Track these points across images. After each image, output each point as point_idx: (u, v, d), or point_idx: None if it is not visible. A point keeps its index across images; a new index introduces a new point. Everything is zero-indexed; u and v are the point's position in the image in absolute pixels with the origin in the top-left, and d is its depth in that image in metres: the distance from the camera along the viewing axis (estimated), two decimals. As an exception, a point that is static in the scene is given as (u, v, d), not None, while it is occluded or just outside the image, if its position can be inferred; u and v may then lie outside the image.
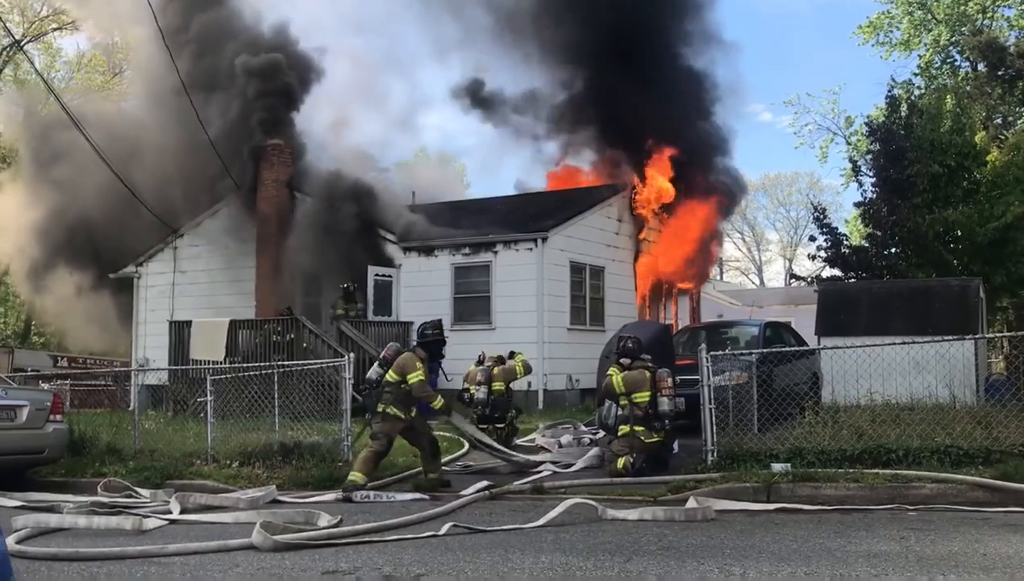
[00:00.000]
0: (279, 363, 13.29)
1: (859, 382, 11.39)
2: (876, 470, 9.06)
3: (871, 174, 24.24)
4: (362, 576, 6.15)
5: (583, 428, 13.82)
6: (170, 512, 8.76)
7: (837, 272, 23.96)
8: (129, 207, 21.66)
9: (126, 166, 20.69)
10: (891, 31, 37.50)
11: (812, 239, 25.30)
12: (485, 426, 13.08)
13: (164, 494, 9.78)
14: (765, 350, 13.05)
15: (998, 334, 21.16)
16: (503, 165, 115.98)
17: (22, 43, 36.88)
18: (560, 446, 12.46)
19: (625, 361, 10.56)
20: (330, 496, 9.65)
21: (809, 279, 26.15)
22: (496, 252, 20.05)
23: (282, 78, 21.07)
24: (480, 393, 13.24)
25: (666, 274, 23.28)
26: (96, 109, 27.73)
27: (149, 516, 8.49)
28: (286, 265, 20.89)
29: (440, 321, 11.30)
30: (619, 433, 10.35)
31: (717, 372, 10.52)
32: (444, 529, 7.44)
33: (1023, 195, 21.77)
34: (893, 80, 30.27)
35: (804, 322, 20.01)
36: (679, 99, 23.34)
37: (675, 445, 11.16)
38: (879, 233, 23.11)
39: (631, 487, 9.49)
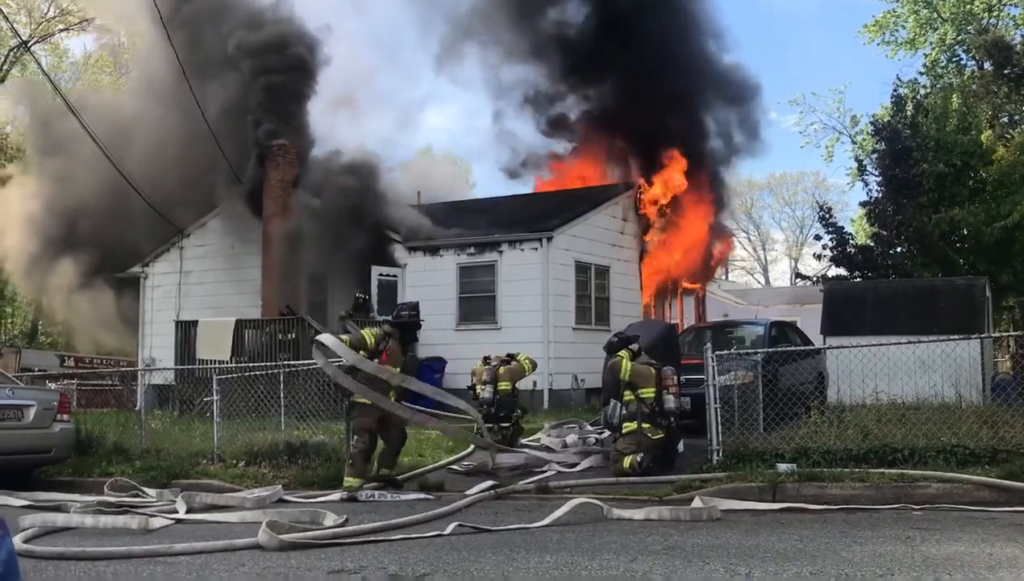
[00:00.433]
0: (285, 363, 13.33)
1: (865, 381, 11.39)
2: (882, 470, 9.05)
3: (877, 173, 24.20)
4: (368, 575, 6.16)
5: (588, 428, 13.80)
6: (176, 512, 8.78)
7: (843, 271, 23.92)
8: (135, 206, 21.71)
9: (130, 165, 20.72)
10: (897, 30, 37.45)
11: (818, 238, 25.27)
12: (491, 425, 13.10)
13: (170, 493, 9.82)
14: (771, 349, 13.03)
15: (1004, 334, 21.11)
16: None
17: (29, 44, 37.01)
18: (565, 446, 12.45)
19: (634, 347, 10.56)
20: (336, 496, 9.67)
21: (815, 278, 26.14)
22: (501, 252, 20.06)
23: (291, 52, 20.99)
24: (485, 392, 13.23)
25: (671, 273, 23.26)
26: (100, 102, 27.73)
27: (155, 515, 8.52)
28: (292, 265, 20.92)
29: (417, 303, 11.01)
30: (624, 430, 10.34)
31: (723, 372, 10.52)
32: (449, 529, 7.45)
33: (1030, 194, 21.71)
34: (899, 79, 30.20)
35: (810, 321, 19.96)
36: (685, 97, 23.36)
37: (680, 445, 11.15)
38: (885, 232, 23.08)
39: (636, 487, 9.49)
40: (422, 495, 9.60)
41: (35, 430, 11.22)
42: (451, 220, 21.48)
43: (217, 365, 16.49)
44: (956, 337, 11.44)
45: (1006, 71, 25.49)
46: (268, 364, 14.30)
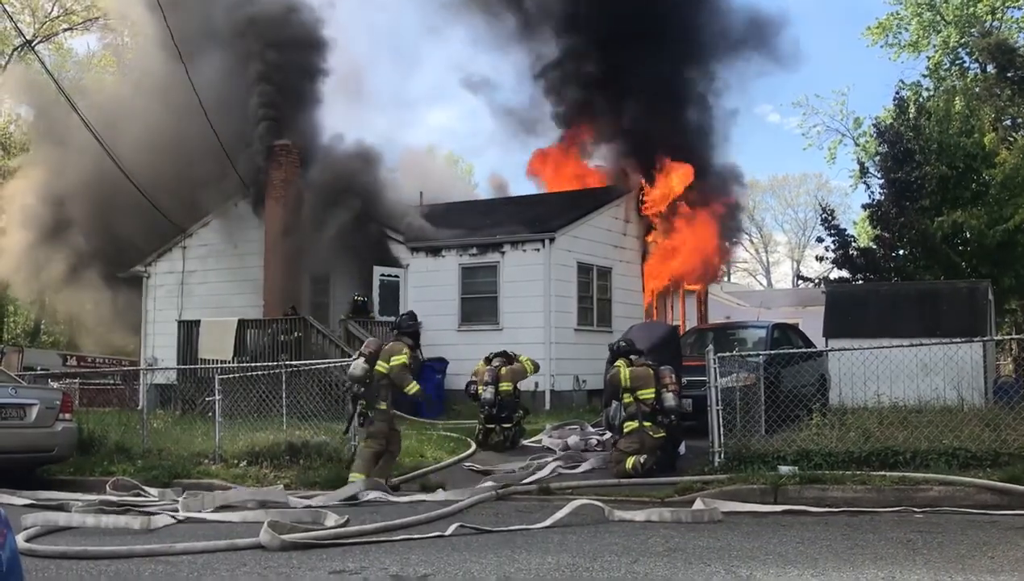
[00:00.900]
0: (287, 363, 13.34)
1: (867, 384, 11.38)
2: (883, 472, 9.05)
3: (879, 176, 24.18)
4: (369, 576, 6.16)
5: (590, 429, 13.82)
6: (178, 511, 8.79)
7: (845, 274, 23.89)
8: (138, 206, 21.70)
9: (129, 162, 20.70)
10: (900, 32, 37.44)
11: (820, 240, 25.23)
12: (492, 426, 13.11)
13: (172, 493, 9.83)
14: (772, 352, 13.03)
15: (1007, 337, 21.11)
16: (508, 164, 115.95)
17: (33, 43, 37.02)
18: (567, 447, 12.46)
19: (633, 357, 10.63)
20: (336, 496, 9.64)
21: (817, 281, 26.08)
22: (503, 252, 20.06)
23: (296, 42, 21.00)
24: (487, 393, 13.23)
25: (674, 275, 23.24)
26: (102, 100, 27.72)
27: (157, 515, 8.53)
28: (294, 265, 20.93)
29: (413, 312, 11.51)
30: (625, 430, 10.35)
31: (724, 373, 10.53)
32: (451, 529, 7.45)
33: (1032, 198, 21.68)
34: (902, 82, 30.18)
35: (812, 324, 19.94)
36: (688, 99, 23.36)
37: (682, 446, 11.17)
38: (887, 235, 23.05)
39: (638, 488, 9.49)
40: (423, 496, 9.60)
41: (37, 429, 11.23)
42: (453, 220, 21.48)
43: (219, 365, 16.52)
44: (958, 340, 11.43)
45: (1009, 74, 25.47)
46: (270, 364, 14.31)
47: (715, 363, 10.35)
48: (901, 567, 6.03)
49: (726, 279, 45.69)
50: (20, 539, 7.07)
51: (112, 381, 24.13)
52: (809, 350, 14.85)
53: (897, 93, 25.51)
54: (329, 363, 14.22)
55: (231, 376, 13.65)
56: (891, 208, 22.78)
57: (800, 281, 31.00)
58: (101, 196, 23.16)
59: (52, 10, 40.03)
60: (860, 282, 22.83)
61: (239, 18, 21.20)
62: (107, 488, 10.31)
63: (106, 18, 38.08)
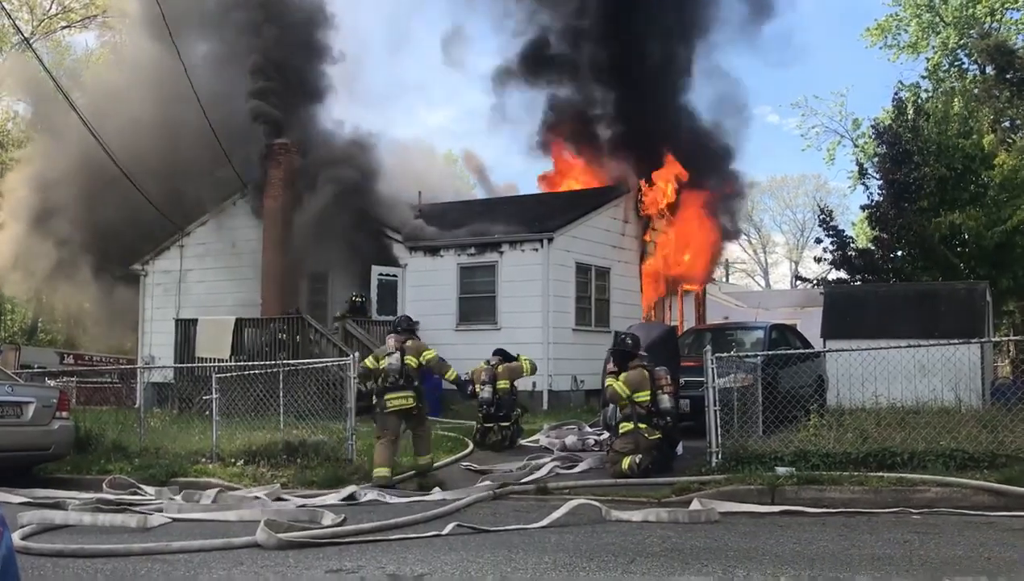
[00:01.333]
0: (284, 362, 13.33)
1: (864, 385, 11.37)
2: (881, 473, 9.04)
3: (878, 177, 24.17)
4: (366, 575, 6.16)
5: (588, 429, 13.81)
6: (175, 509, 8.77)
7: (843, 275, 23.90)
8: (136, 204, 21.67)
9: (129, 159, 20.67)
10: (899, 34, 37.49)
11: (818, 241, 25.21)
12: (490, 424, 13.10)
13: (169, 491, 9.81)
14: (770, 352, 13.02)
15: (1004, 338, 21.11)
16: (508, 164, 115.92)
17: (31, 41, 36.95)
18: (564, 447, 12.46)
19: (614, 371, 10.58)
20: (334, 495, 9.65)
21: (815, 281, 26.07)
22: (502, 252, 20.06)
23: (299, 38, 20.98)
24: (485, 392, 13.22)
25: (672, 275, 23.25)
26: (96, 90, 27.68)
27: (154, 513, 8.52)
28: (292, 264, 20.92)
29: (408, 316, 12.51)
30: (621, 431, 10.36)
31: (722, 374, 10.52)
32: (448, 529, 7.44)
33: (1031, 199, 21.70)
34: (901, 83, 30.28)
35: (810, 324, 19.93)
36: (687, 99, 23.38)
37: (679, 447, 11.16)
38: (885, 236, 23.05)
39: (635, 488, 9.49)
40: (421, 495, 9.59)
41: (34, 427, 11.22)
42: (452, 220, 21.47)
43: (216, 363, 16.50)
44: (956, 341, 11.44)
45: (1008, 75, 25.50)
46: (267, 363, 14.30)
47: (713, 363, 10.35)
48: (898, 568, 6.03)
49: (724, 280, 45.69)
50: (16, 537, 7.06)
51: (109, 379, 24.12)
52: (807, 351, 14.85)
53: (896, 94, 25.53)
54: (327, 362, 14.20)
55: (229, 375, 13.64)
56: (889, 209, 22.78)
57: (798, 282, 31.03)
58: (96, 191, 23.10)
59: (50, 8, 40.01)
60: (858, 283, 22.83)
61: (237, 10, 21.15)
62: (104, 486, 10.30)
63: (104, 16, 38.06)
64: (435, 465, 11.39)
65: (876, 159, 24.95)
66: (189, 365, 18.60)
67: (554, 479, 10.24)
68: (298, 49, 21.25)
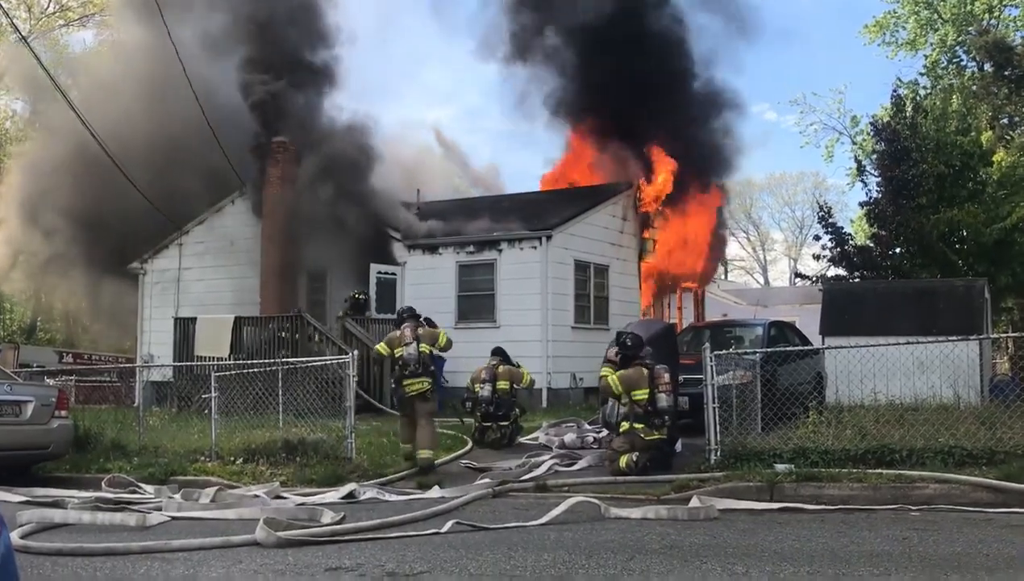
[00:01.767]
0: (283, 360, 13.32)
1: (863, 382, 11.38)
2: (879, 470, 9.05)
3: (876, 174, 24.18)
4: (365, 573, 6.16)
5: (587, 427, 13.82)
6: (174, 508, 8.77)
7: (842, 272, 23.91)
8: (134, 203, 21.65)
9: (127, 158, 20.64)
10: (897, 31, 37.52)
11: (817, 238, 25.23)
12: (489, 424, 13.11)
13: (168, 490, 9.81)
14: (769, 349, 13.03)
15: (1003, 335, 21.12)
16: (507, 164, 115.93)
17: (29, 39, 36.90)
18: (564, 445, 12.46)
19: (614, 359, 10.56)
20: (333, 493, 9.65)
21: (814, 279, 26.08)
22: (501, 250, 20.06)
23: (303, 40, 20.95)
24: (484, 391, 13.24)
25: (671, 272, 23.25)
26: (91, 83, 27.63)
27: (153, 512, 8.52)
28: (292, 262, 20.91)
29: (412, 307, 12.65)
30: (620, 430, 10.36)
31: (721, 371, 10.52)
32: (447, 526, 7.44)
33: (1029, 196, 21.73)
34: (899, 80, 30.28)
35: (809, 322, 19.97)
36: (686, 98, 23.34)
37: (678, 444, 11.16)
38: (884, 233, 23.06)
39: (634, 486, 9.49)
40: (420, 493, 9.60)
41: (33, 426, 11.22)
42: (451, 218, 21.45)
43: (215, 362, 16.49)
44: (955, 338, 11.44)
45: (1006, 72, 25.52)
46: (267, 361, 14.29)
47: (712, 361, 10.34)
48: (897, 565, 6.04)
49: (723, 277, 45.72)
50: (15, 536, 7.06)
51: (108, 378, 24.12)
52: (806, 348, 14.85)
53: (894, 91, 25.54)
54: (326, 360, 14.19)
55: (228, 373, 13.63)
56: (888, 206, 22.79)
57: (797, 279, 31.07)
58: (96, 190, 23.08)
59: (48, 6, 39.95)
60: (857, 280, 22.85)
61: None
62: (103, 485, 10.29)
63: (102, 14, 38.02)
64: (435, 463, 11.40)
65: (875, 156, 24.95)
66: (188, 363, 18.58)
67: (553, 477, 10.25)
68: (296, 36, 21.18)
